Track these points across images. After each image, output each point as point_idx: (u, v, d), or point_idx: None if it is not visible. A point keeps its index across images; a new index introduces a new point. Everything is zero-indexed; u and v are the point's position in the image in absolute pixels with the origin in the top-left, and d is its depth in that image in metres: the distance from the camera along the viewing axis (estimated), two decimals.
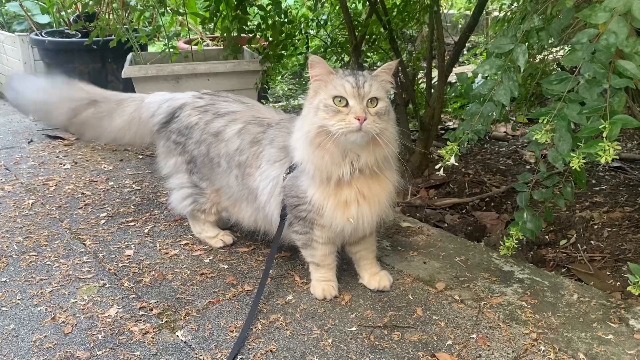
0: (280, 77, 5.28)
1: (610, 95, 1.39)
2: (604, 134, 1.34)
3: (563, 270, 2.35)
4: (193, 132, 2.24)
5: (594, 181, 3.11)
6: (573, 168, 1.42)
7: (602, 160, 1.34)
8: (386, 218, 2.04)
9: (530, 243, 2.54)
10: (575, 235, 2.58)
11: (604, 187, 3.03)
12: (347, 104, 1.72)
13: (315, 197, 1.88)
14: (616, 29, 1.35)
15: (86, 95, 2.42)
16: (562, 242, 2.56)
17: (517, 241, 1.97)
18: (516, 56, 1.58)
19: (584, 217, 2.69)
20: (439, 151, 1.76)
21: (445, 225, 2.77)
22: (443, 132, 3.88)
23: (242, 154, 2.11)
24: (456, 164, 1.71)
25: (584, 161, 1.42)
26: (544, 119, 1.47)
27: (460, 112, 4.09)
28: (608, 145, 1.33)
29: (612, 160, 3.24)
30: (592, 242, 2.51)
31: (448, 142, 1.70)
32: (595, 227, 2.62)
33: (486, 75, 1.69)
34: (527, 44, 1.66)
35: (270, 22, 3.38)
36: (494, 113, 1.67)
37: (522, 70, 1.59)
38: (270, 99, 4.99)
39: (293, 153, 1.91)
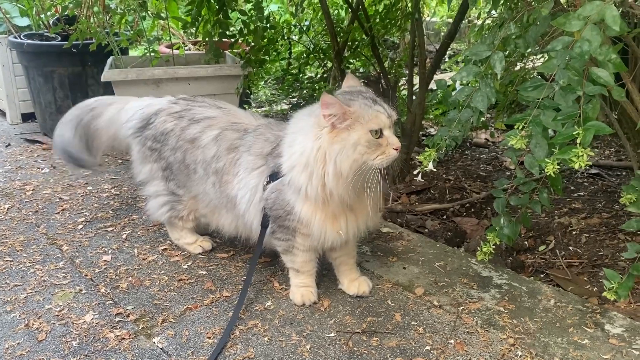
0: (263, 82, 5.27)
1: (585, 102, 1.41)
2: (578, 140, 1.36)
3: (542, 275, 2.37)
4: (168, 139, 2.21)
5: (572, 188, 3.15)
6: (548, 174, 1.43)
7: (576, 166, 1.35)
8: (373, 226, 2.06)
9: (509, 249, 2.56)
10: (554, 241, 2.61)
11: (582, 194, 3.07)
12: (381, 134, 1.72)
13: (303, 211, 1.87)
14: (590, 36, 1.37)
15: (88, 103, 2.50)
16: (541, 247, 2.58)
17: (495, 247, 1.97)
18: (493, 63, 1.59)
19: (562, 223, 2.72)
20: (417, 157, 1.76)
21: (426, 230, 2.78)
22: (424, 138, 3.90)
23: (219, 161, 2.09)
24: (434, 169, 1.71)
25: (559, 167, 1.43)
26: (519, 125, 1.49)
27: (442, 118, 4.12)
28: (582, 152, 1.34)
29: (591, 167, 3.24)
30: (571, 247, 2.54)
31: (426, 148, 1.71)
32: (574, 233, 2.65)
33: (464, 82, 1.70)
34: (507, 52, 1.68)
35: (252, 27, 3.38)
36: (472, 119, 1.68)
37: (499, 77, 1.60)
38: (253, 104, 4.98)
39: (288, 171, 1.85)
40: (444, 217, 2.95)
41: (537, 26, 1.67)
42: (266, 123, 2.12)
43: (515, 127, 1.52)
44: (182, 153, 2.19)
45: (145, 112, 2.31)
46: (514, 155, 1.63)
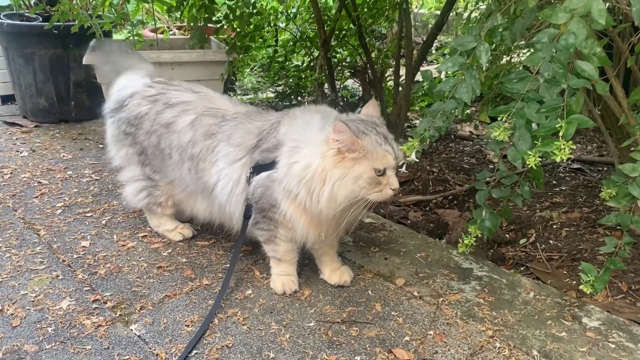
0: (249, 69, 5.22)
1: (568, 95, 1.40)
2: (560, 133, 1.35)
3: (522, 268, 2.39)
4: (143, 123, 2.18)
5: (554, 182, 3.17)
6: (529, 166, 1.43)
7: (557, 159, 1.35)
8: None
9: (490, 241, 2.57)
10: (534, 235, 2.62)
11: (564, 188, 3.09)
12: (383, 173, 1.76)
13: (289, 211, 1.87)
14: (575, 29, 1.36)
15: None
16: (522, 241, 2.59)
17: (476, 239, 1.98)
18: (479, 54, 1.58)
19: (543, 217, 2.74)
20: (400, 147, 1.76)
21: (409, 222, 2.79)
22: (410, 129, 3.90)
23: (195, 147, 2.06)
24: (417, 160, 1.71)
25: (540, 160, 1.43)
26: (502, 117, 1.48)
27: (427, 110, 4.12)
28: (563, 145, 1.34)
29: (573, 162, 3.25)
30: (551, 241, 2.56)
31: (409, 139, 1.70)
32: (555, 226, 2.66)
33: (449, 72, 1.69)
34: (493, 45, 1.67)
35: (237, 12, 3.33)
36: (456, 111, 1.67)
37: (484, 68, 1.59)
38: (239, 91, 4.93)
39: (285, 176, 1.83)
40: (427, 208, 2.96)
41: (524, 18, 1.65)
42: (245, 111, 2.09)
43: (499, 118, 1.51)
44: (156, 137, 2.16)
45: (121, 95, 2.27)
46: (497, 148, 1.63)
